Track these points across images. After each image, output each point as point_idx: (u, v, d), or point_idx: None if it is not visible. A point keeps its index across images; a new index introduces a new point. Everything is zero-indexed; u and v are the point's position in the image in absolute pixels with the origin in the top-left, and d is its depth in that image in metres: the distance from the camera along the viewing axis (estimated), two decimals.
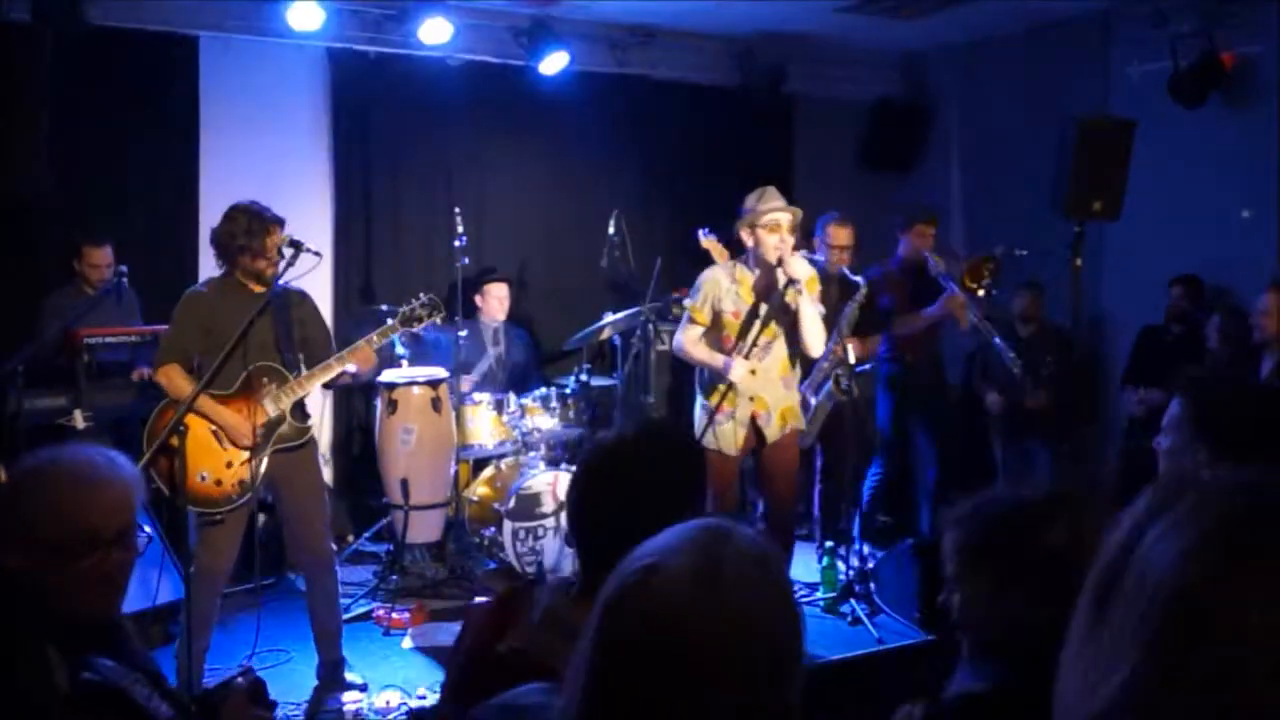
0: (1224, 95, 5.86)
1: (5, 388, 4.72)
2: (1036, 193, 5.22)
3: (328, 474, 6.14)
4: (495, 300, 6.16)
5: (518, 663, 1.62)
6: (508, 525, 5.20)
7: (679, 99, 7.22)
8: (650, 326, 6.28)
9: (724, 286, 4.52)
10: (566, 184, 7.05)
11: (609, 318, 6.05)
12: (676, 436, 1.89)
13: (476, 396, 5.77)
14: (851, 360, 4.94)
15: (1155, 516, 1.06)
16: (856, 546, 5.29)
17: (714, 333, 4.55)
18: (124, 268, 5.45)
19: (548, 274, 6.99)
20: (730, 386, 4.38)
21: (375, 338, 4.17)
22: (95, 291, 5.29)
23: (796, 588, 5.21)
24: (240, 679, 1.95)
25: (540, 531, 5.24)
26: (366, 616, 5.00)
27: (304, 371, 4.08)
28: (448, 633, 4.73)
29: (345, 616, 4.62)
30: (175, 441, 3.76)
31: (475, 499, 5.57)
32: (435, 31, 6.04)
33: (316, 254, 4.13)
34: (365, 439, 6.39)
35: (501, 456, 5.73)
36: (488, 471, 5.70)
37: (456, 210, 5.81)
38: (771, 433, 4.53)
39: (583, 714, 1.11)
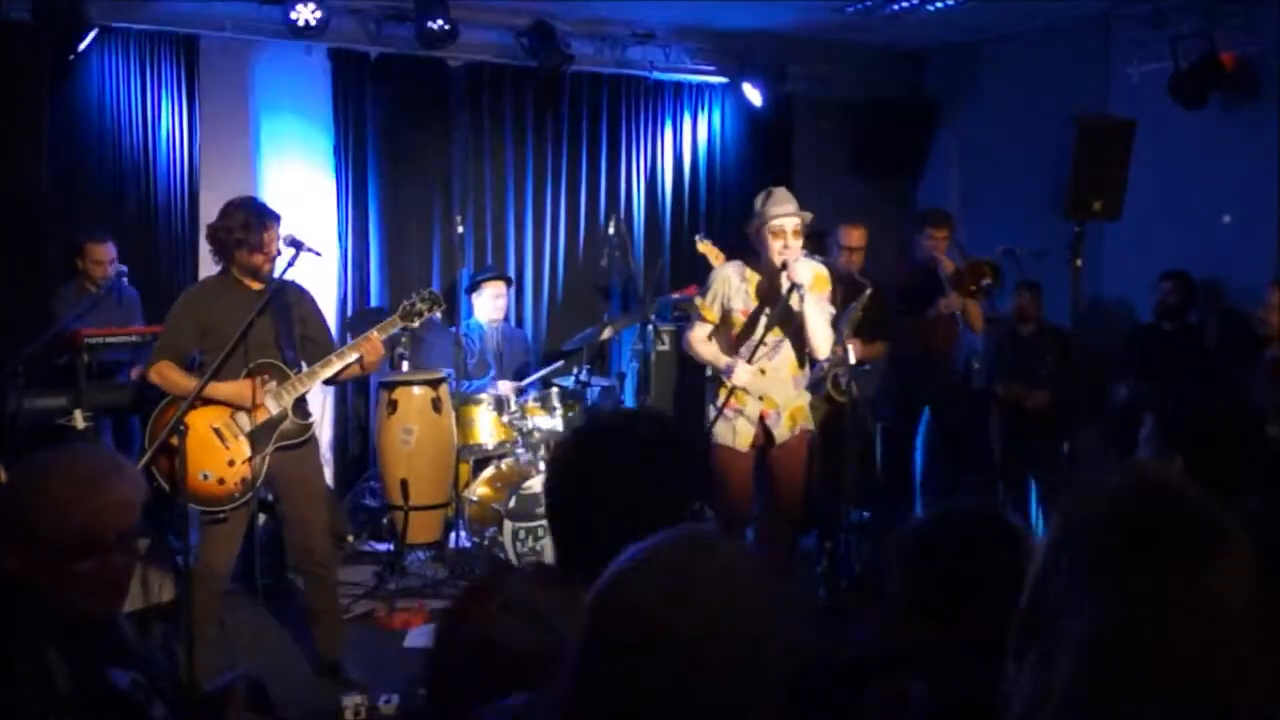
0: (1224, 95, 5.86)
1: (5, 387, 4.72)
2: (1036, 193, 5.22)
3: (328, 474, 6.13)
4: (492, 299, 6.16)
5: (481, 648, 1.63)
6: (508, 525, 5.20)
7: (679, 99, 7.22)
8: (651, 327, 6.28)
9: (734, 284, 4.53)
10: (567, 184, 7.04)
11: (609, 318, 6.05)
12: (666, 427, 1.85)
13: (478, 396, 5.77)
14: (852, 360, 4.95)
15: (1056, 551, 1.19)
16: (857, 546, 5.30)
17: (724, 330, 4.55)
18: (124, 267, 5.46)
19: (548, 274, 6.98)
20: (733, 389, 4.38)
21: (376, 332, 4.17)
22: (98, 289, 5.30)
23: (796, 588, 5.22)
24: (240, 682, 1.95)
25: (540, 531, 5.23)
26: (366, 616, 5.00)
27: (305, 368, 4.08)
28: None
29: (345, 616, 4.63)
30: (175, 441, 3.76)
31: (475, 499, 5.57)
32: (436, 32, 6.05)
33: (317, 252, 4.14)
34: (365, 439, 6.39)
35: (501, 456, 5.73)
36: (488, 471, 5.70)
37: (458, 215, 5.82)
38: (780, 433, 4.52)
39: (569, 713, 1.12)
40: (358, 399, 6.52)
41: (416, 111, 6.59)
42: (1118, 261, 6.38)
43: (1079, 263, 4.98)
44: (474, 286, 6.18)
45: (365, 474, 6.32)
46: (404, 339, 5.58)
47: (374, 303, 6.50)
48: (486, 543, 5.46)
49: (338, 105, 6.40)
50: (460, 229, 5.80)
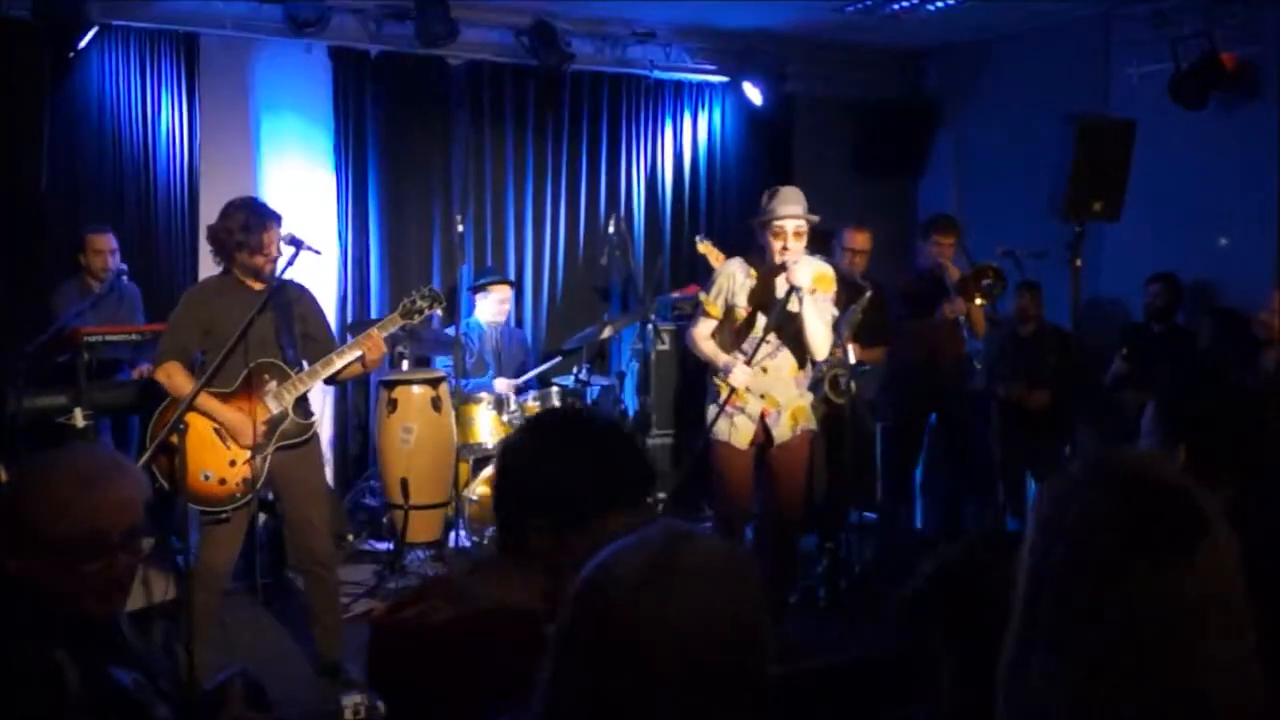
0: (1224, 95, 5.86)
1: (5, 386, 4.72)
2: (1036, 193, 5.22)
3: (328, 473, 6.13)
4: (497, 302, 6.15)
5: (406, 633, 1.68)
6: None
7: (679, 98, 7.22)
8: (650, 327, 6.28)
9: (738, 280, 4.52)
10: (567, 184, 7.04)
11: (609, 318, 6.05)
12: (589, 420, 1.96)
13: (478, 395, 5.77)
14: (852, 362, 4.94)
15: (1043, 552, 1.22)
16: (857, 546, 5.30)
17: (727, 325, 4.54)
18: (124, 266, 5.45)
19: (548, 273, 6.98)
20: (732, 390, 4.37)
21: (376, 330, 4.17)
22: (100, 283, 5.30)
23: (797, 589, 5.21)
24: (237, 679, 1.95)
25: None
26: (366, 616, 4.99)
27: (306, 367, 4.08)
28: None
29: (345, 616, 4.62)
30: (175, 440, 3.77)
31: (475, 498, 5.56)
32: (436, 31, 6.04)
33: (317, 251, 4.14)
34: (365, 438, 6.39)
35: None
36: (488, 471, 5.69)
37: (458, 214, 5.82)
38: (780, 433, 4.51)
39: (550, 704, 1.13)
40: (358, 398, 6.51)
41: (417, 110, 6.58)
42: (1118, 262, 6.38)
43: (1079, 263, 4.98)
44: (480, 288, 6.16)
45: (365, 473, 6.33)
46: (404, 338, 5.58)
47: (374, 300, 6.50)
48: (486, 542, 5.46)
49: (338, 103, 6.40)
50: (460, 228, 5.79)
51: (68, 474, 1.74)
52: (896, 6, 6.43)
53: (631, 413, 6.31)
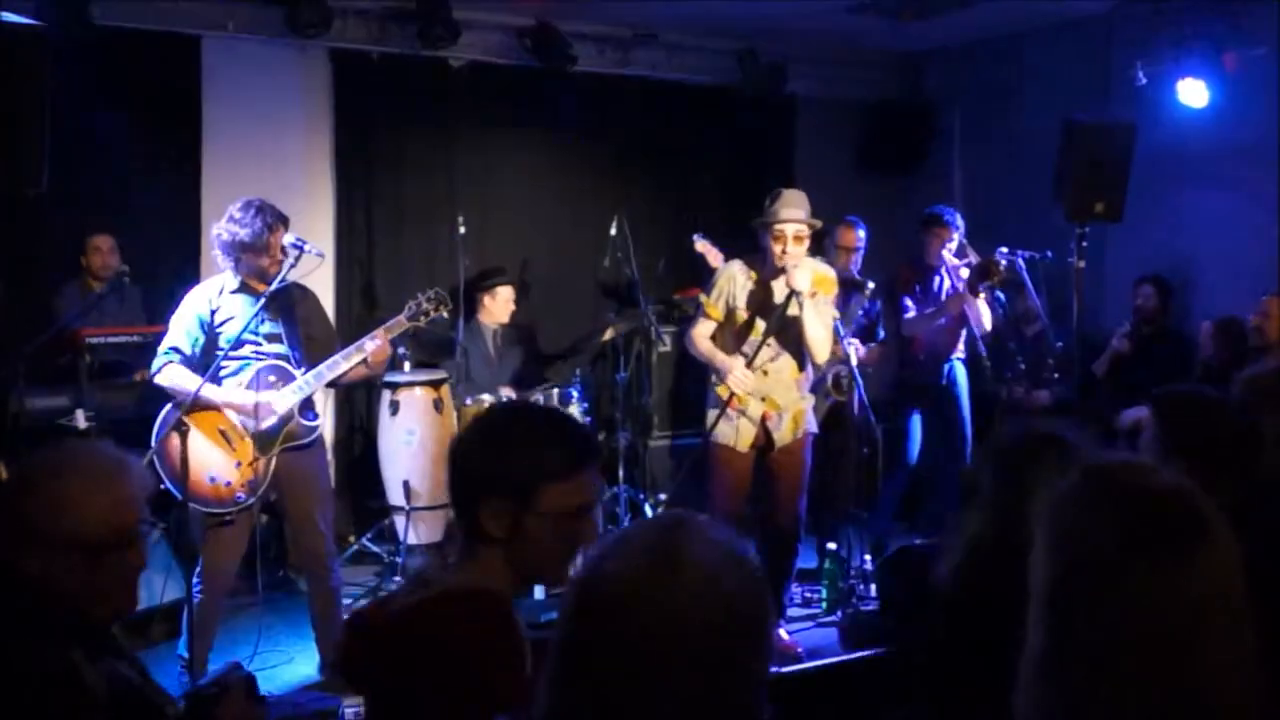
0: (1224, 95, 5.86)
1: (7, 387, 4.72)
2: (1037, 193, 5.22)
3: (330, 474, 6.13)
4: (503, 303, 6.12)
5: (373, 623, 1.76)
6: None
7: (681, 99, 7.22)
8: (652, 328, 6.28)
9: (739, 282, 4.51)
10: (569, 185, 7.05)
11: (611, 319, 6.05)
12: (522, 406, 2.17)
13: (479, 397, 5.76)
14: (854, 362, 4.94)
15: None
16: (857, 547, 5.30)
17: (728, 327, 4.53)
18: (126, 268, 5.45)
19: (550, 275, 6.98)
20: (731, 395, 4.37)
21: (382, 332, 4.18)
22: (101, 283, 5.32)
23: (798, 590, 5.22)
24: (234, 672, 1.95)
25: None
26: None
27: (310, 369, 4.08)
28: None
29: (346, 617, 4.62)
30: (178, 440, 3.77)
31: None
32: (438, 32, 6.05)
33: (319, 254, 4.15)
34: (366, 439, 6.39)
35: None
36: None
37: (460, 216, 5.81)
38: (781, 436, 4.50)
39: (552, 698, 1.13)
40: (360, 400, 6.51)
41: (418, 112, 6.58)
42: (1118, 262, 6.38)
43: (1080, 264, 4.98)
44: (488, 288, 6.11)
45: (367, 474, 6.32)
46: (407, 340, 5.58)
47: (375, 302, 6.49)
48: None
49: (339, 105, 6.40)
50: (461, 229, 5.79)
51: (69, 471, 1.74)
52: (897, 9, 6.43)
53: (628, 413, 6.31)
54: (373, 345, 4.10)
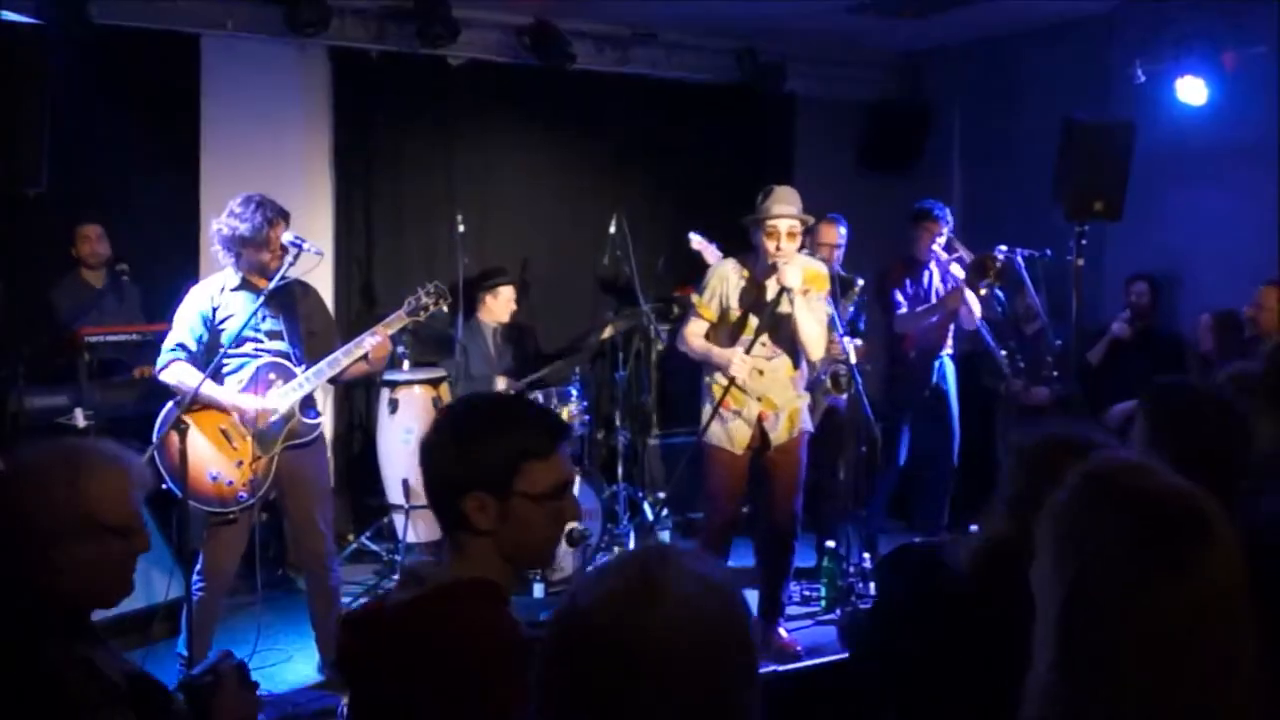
0: (1223, 95, 5.86)
1: (6, 386, 4.72)
2: (1037, 193, 5.21)
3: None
4: (505, 302, 6.11)
5: (369, 620, 1.77)
6: None
7: (680, 98, 7.22)
8: (651, 326, 6.27)
9: (732, 282, 4.49)
10: (568, 183, 7.04)
11: (610, 317, 6.05)
12: (478, 399, 2.27)
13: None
14: (853, 360, 4.93)
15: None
16: (856, 545, 5.30)
17: (722, 328, 4.52)
18: (125, 266, 5.46)
19: (549, 273, 6.98)
20: (731, 382, 4.33)
21: (382, 328, 4.17)
22: (93, 271, 5.32)
23: (797, 588, 5.22)
24: (227, 660, 1.95)
25: None
26: None
27: (311, 366, 4.08)
28: None
29: None
30: (178, 439, 3.77)
31: None
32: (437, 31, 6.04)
33: (318, 252, 4.14)
34: (366, 438, 6.39)
35: None
36: None
37: (459, 214, 5.81)
38: (778, 436, 4.49)
39: None
40: (359, 398, 6.51)
41: (417, 110, 6.58)
42: (1117, 261, 6.38)
43: (1079, 263, 4.98)
44: (490, 288, 6.10)
45: (366, 473, 6.32)
46: (407, 338, 5.58)
47: (374, 300, 6.48)
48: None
49: (338, 104, 6.40)
50: (460, 227, 5.79)
51: (52, 459, 1.75)
52: (897, 8, 6.43)
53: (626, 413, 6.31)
54: (373, 341, 4.09)
